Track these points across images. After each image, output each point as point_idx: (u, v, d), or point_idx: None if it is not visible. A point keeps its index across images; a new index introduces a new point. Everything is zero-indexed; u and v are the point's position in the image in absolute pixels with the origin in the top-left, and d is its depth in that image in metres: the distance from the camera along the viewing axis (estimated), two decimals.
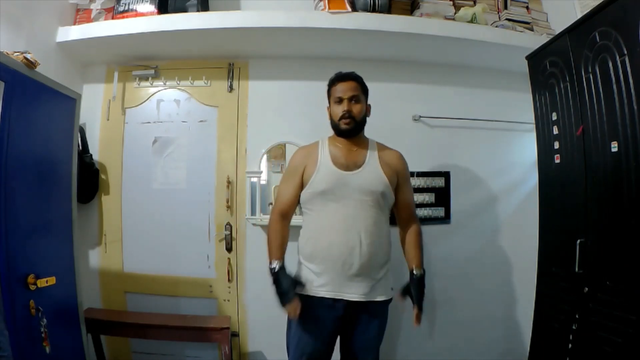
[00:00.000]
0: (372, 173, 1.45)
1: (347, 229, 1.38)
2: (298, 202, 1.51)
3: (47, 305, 1.41)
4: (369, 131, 1.59)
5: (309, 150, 1.54)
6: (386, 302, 1.47)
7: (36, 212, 1.48)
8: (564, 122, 1.57)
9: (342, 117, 1.44)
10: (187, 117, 2.25)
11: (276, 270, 1.37)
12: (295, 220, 1.56)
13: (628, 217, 1.24)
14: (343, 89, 1.46)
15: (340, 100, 1.45)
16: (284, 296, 1.34)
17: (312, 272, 1.41)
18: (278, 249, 1.42)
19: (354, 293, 1.38)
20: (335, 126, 1.49)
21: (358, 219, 1.39)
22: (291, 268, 1.51)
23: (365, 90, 1.52)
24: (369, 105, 1.54)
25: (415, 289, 1.42)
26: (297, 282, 1.39)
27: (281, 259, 1.40)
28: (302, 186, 1.47)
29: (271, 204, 2.12)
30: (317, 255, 1.40)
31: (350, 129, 1.46)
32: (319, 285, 1.39)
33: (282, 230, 1.46)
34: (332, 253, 1.38)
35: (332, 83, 1.51)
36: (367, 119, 1.54)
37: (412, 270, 1.47)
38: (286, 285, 1.34)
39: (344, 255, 1.36)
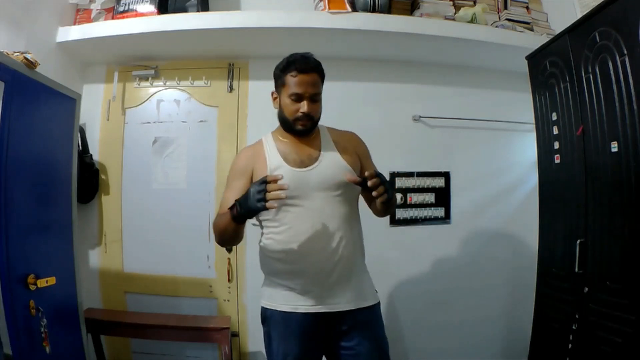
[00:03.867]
0: (332, 163, 1.24)
1: (318, 232, 1.18)
2: None
3: (47, 305, 1.41)
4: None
5: (254, 150, 1.31)
6: (375, 307, 1.28)
7: (36, 212, 1.49)
8: (564, 122, 1.57)
9: (298, 119, 1.22)
10: (187, 117, 2.26)
11: (234, 204, 1.11)
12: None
13: (628, 217, 1.24)
14: (304, 84, 1.20)
15: (298, 98, 1.21)
16: (254, 200, 1.03)
17: (286, 287, 1.22)
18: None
19: (338, 303, 1.20)
20: (286, 122, 1.26)
21: (327, 219, 1.19)
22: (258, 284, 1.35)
23: (323, 79, 1.28)
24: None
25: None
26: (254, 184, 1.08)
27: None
28: None
29: None
30: (290, 268, 1.20)
31: (307, 130, 1.25)
32: (296, 301, 1.20)
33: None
34: (307, 262, 1.18)
35: (288, 70, 1.23)
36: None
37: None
38: (249, 194, 1.05)
39: (320, 263, 1.18)
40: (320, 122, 1.31)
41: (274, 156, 1.25)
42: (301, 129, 1.24)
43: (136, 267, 2.19)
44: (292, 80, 1.22)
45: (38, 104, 1.50)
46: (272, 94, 1.32)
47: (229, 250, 2.16)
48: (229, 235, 1.18)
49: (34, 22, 1.84)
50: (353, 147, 1.32)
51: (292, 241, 1.19)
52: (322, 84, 1.28)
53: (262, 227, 1.29)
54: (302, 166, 1.23)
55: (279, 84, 1.28)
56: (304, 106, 1.21)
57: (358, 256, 1.28)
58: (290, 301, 1.21)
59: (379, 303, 1.31)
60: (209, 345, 2.09)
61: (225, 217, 1.14)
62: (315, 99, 1.24)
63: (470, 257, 2.30)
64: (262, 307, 1.27)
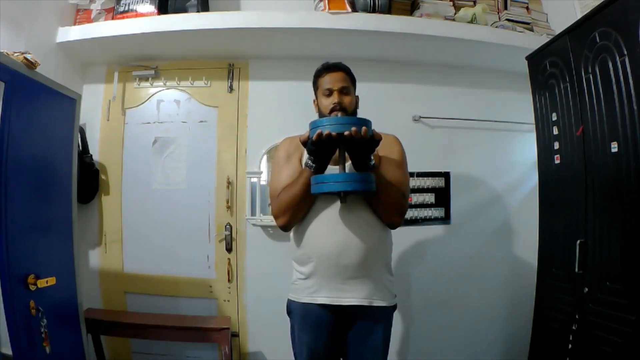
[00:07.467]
0: None
1: (339, 226, 1.26)
2: None
3: (47, 306, 1.41)
4: None
5: (297, 142, 1.38)
6: (389, 309, 1.33)
7: (36, 212, 1.48)
8: (564, 123, 1.57)
9: (332, 110, 1.34)
10: (187, 118, 2.26)
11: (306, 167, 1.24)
12: None
13: (628, 217, 1.24)
14: (332, 80, 1.36)
15: (329, 92, 1.36)
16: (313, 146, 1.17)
17: (306, 277, 1.31)
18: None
19: (351, 297, 1.26)
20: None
21: (351, 215, 1.27)
22: (287, 271, 1.43)
23: (354, 81, 1.43)
24: (357, 96, 1.44)
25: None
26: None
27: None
28: None
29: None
30: (310, 257, 1.29)
31: None
32: (314, 291, 1.29)
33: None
34: (325, 254, 1.26)
35: (319, 74, 1.41)
36: (357, 111, 1.43)
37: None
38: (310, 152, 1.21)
39: (337, 256, 1.25)
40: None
41: None
42: None
43: (136, 268, 2.19)
44: (323, 80, 1.39)
45: (38, 104, 1.50)
46: (314, 101, 1.46)
47: (229, 250, 2.16)
48: (302, 198, 1.25)
49: (34, 22, 1.84)
50: (385, 151, 1.37)
51: (314, 229, 1.29)
52: (354, 84, 1.42)
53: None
54: (333, 163, 1.29)
55: (315, 88, 1.44)
56: (334, 97, 1.35)
57: (379, 254, 1.32)
58: (309, 294, 1.30)
59: (394, 307, 1.36)
60: (208, 345, 2.09)
61: (299, 180, 1.25)
62: (344, 91, 1.37)
63: (470, 257, 2.30)
64: (288, 300, 1.39)
